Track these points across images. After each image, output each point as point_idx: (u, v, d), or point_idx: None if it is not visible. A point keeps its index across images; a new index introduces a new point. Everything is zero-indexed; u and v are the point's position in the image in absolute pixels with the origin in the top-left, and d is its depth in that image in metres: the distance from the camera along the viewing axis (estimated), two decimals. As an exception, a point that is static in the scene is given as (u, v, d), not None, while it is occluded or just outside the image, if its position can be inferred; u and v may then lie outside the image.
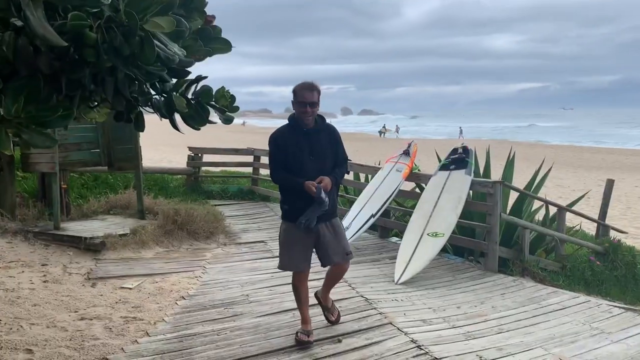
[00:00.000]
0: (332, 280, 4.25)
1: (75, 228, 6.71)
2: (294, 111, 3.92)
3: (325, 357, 3.78)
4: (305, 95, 3.78)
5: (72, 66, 1.71)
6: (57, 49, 1.62)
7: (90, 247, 6.19)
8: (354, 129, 76.42)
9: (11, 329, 4.07)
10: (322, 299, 4.29)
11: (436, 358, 3.77)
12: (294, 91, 3.83)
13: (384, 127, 60.69)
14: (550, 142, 51.03)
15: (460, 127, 63.89)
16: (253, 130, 67.01)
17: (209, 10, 2.11)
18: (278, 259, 4.07)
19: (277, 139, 3.92)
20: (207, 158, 11.05)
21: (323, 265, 4.06)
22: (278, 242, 4.09)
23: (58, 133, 6.61)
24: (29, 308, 4.51)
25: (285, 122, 3.98)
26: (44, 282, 5.22)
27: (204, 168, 11.24)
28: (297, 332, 3.98)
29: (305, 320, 4.03)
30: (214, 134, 40.19)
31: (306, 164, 3.81)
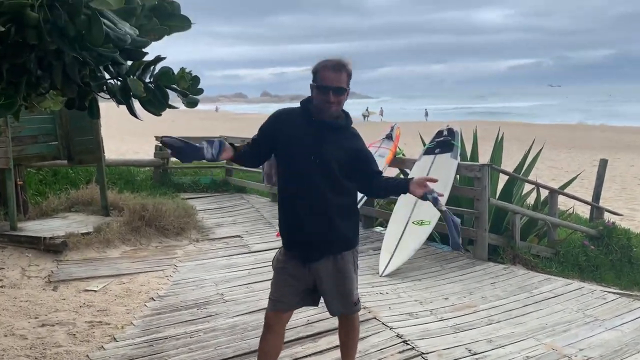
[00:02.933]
0: (345, 346, 3.26)
1: (34, 228, 6.60)
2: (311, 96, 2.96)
3: (306, 356, 3.79)
4: (328, 77, 2.82)
5: (13, 50, 1.66)
6: (-5, 32, 1.57)
7: (51, 247, 6.09)
8: (335, 113, 76.40)
9: (-35, 338, 4.00)
10: None
11: (423, 353, 3.81)
12: (314, 71, 2.89)
13: (367, 110, 60.97)
14: (541, 122, 51.61)
15: (425, 109, 64.96)
16: (227, 116, 66.72)
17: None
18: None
19: (280, 117, 3.01)
20: (176, 148, 10.92)
21: (330, 314, 3.19)
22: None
23: (11, 125, 6.49)
24: (-16, 316, 4.45)
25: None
26: (1, 287, 5.13)
27: (173, 159, 11.13)
28: None
29: None
30: (184, 121, 39.89)
31: (305, 165, 2.85)
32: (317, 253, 2.93)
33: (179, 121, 39.10)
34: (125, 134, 27.47)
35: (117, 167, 10.18)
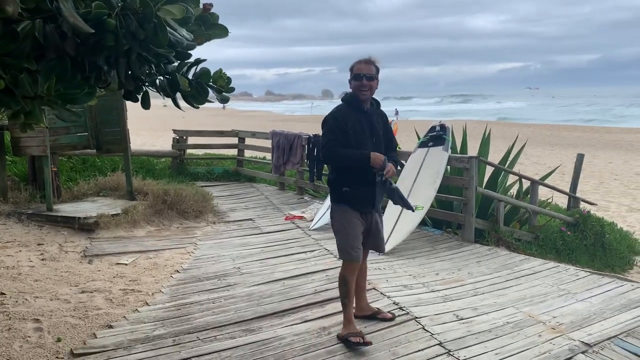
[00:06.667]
0: (363, 279, 4.08)
1: (68, 209, 6.88)
2: (349, 90, 3.72)
3: (315, 319, 4.08)
4: (361, 68, 3.61)
5: (93, 49, 1.93)
6: (82, 35, 1.84)
7: (84, 226, 6.38)
8: (335, 112, 76.74)
9: (17, 301, 4.29)
10: (367, 308, 4.06)
11: (416, 317, 4.10)
12: (350, 69, 3.68)
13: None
14: (528, 122, 51.75)
15: (395, 109, 64.83)
16: (233, 113, 66.79)
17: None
18: (338, 249, 3.75)
19: (336, 115, 3.64)
20: (191, 141, 11.20)
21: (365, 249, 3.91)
22: (333, 230, 3.80)
23: (47, 117, 6.74)
24: (31, 283, 4.73)
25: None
26: (42, 260, 5.42)
27: (188, 151, 11.39)
28: (346, 336, 3.57)
29: (350, 319, 3.72)
30: (194, 118, 40.05)
31: (368, 145, 3.59)
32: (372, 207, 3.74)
33: (189, 117, 39.33)
34: (140, 129, 27.66)
35: (139, 157, 10.45)
